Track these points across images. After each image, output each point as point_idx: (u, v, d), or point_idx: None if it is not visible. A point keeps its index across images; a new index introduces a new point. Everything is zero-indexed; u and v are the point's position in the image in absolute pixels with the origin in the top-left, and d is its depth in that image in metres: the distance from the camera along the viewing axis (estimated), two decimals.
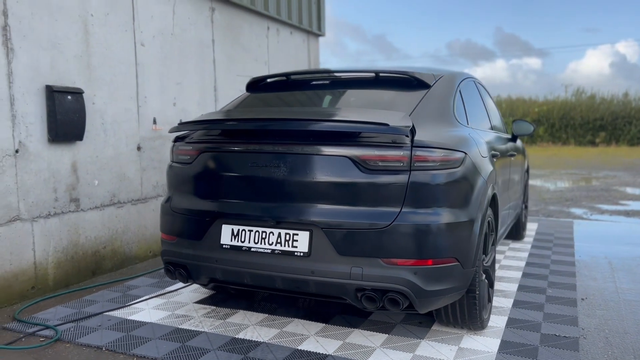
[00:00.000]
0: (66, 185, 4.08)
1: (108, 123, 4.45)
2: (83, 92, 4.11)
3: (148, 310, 3.51)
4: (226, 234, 2.82)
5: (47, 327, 3.20)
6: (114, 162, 4.52)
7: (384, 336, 3.07)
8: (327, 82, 3.43)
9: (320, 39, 8.34)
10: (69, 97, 3.97)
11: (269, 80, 3.60)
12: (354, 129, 2.56)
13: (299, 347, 2.91)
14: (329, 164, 2.62)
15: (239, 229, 2.79)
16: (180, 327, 3.22)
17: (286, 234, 2.69)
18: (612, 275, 4.38)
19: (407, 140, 2.58)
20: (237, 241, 2.79)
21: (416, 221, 2.55)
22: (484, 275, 3.13)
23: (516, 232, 5.55)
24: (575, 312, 3.48)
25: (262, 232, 2.74)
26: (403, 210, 2.56)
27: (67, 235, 4.11)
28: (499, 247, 5.32)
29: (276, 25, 7.08)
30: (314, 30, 8.03)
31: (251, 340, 3.00)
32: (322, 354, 2.83)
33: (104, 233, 4.45)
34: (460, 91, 3.47)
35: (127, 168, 4.65)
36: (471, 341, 3.01)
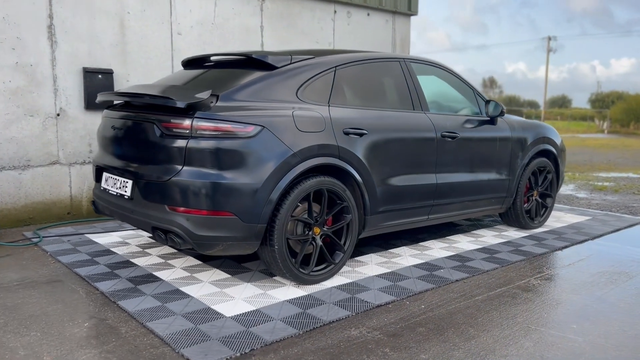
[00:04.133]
0: None
1: None
2: (112, 72, 5.44)
3: (111, 237, 4.69)
4: (104, 180, 3.79)
5: (38, 237, 4.62)
6: None
7: (227, 276, 3.69)
8: (213, 63, 4.07)
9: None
10: (100, 76, 5.35)
11: (190, 60, 4.34)
12: (157, 101, 3.26)
13: (169, 277, 3.76)
14: (145, 129, 3.36)
15: (108, 177, 3.74)
16: (111, 249, 4.32)
17: (122, 181, 3.54)
18: (547, 267, 4.09)
19: (190, 113, 3.18)
20: (107, 185, 3.74)
21: (192, 178, 3.15)
22: (315, 237, 3.52)
23: (515, 221, 5.27)
24: (422, 288, 3.56)
25: (115, 179, 3.64)
26: (184, 168, 3.18)
27: None
28: (482, 231, 5.18)
29: (346, 8, 7.58)
30: (400, 10, 8.23)
31: (141, 268, 3.95)
32: (167, 282, 3.64)
33: None
34: (335, 73, 3.78)
35: None
36: (283, 291, 3.44)
